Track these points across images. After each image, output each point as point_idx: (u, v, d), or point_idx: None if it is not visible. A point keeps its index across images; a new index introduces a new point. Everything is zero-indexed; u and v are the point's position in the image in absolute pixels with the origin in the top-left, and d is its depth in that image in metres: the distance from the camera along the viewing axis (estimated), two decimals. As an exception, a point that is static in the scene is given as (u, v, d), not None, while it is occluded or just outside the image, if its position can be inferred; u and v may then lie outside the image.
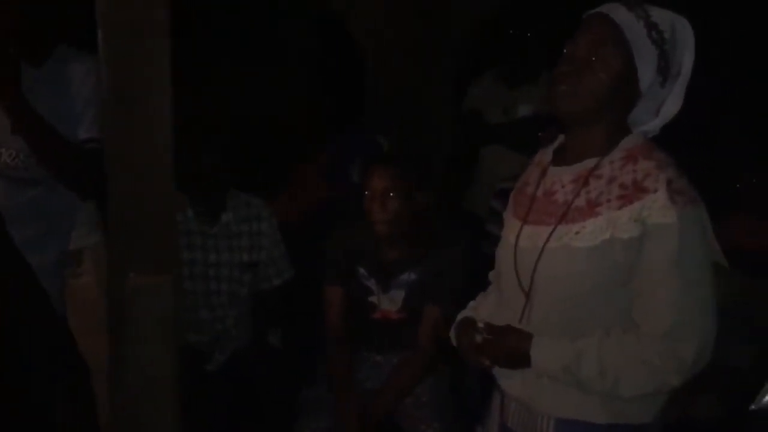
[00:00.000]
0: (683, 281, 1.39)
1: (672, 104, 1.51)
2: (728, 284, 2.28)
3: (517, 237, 1.56)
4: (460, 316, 1.71)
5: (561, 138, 1.62)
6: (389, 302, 2.52)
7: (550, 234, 1.49)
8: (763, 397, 2.30)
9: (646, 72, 1.45)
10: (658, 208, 1.39)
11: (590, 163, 1.50)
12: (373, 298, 2.53)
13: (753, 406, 2.28)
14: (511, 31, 3.38)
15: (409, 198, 2.39)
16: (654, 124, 1.53)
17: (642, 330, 1.42)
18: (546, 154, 1.64)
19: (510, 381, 1.57)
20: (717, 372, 2.23)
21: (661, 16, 1.46)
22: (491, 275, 1.78)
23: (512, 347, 1.50)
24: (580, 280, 1.45)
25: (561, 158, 1.58)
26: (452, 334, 1.68)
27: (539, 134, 2.76)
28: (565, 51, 1.50)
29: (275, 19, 4.15)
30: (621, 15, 1.45)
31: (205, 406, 2.46)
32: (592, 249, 1.44)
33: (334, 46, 4.12)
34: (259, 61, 4.01)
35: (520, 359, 1.49)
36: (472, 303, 1.75)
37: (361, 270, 2.52)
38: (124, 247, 1.85)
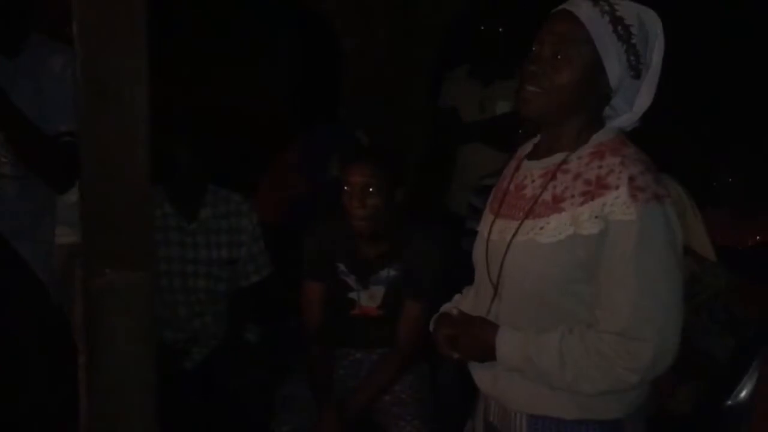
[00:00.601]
0: (642, 279, 1.39)
1: (644, 98, 1.50)
2: (715, 278, 2.31)
3: (489, 230, 1.57)
4: (442, 309, 1.71)
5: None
6: (369, 299, 2.51)
7: (517, 228, 1.49)
8: (740, 392, 2.32)
9: (614, 68, 1.44)
10: (619, 204, 1.39)
11: (559, 157, 1.50)
12: (352, 295, 2.52)
13: (729, 402, 2.30)
14: (482, 27, 3.38)
15: (387, 194, 2.38)
16: (627, 118, 1.52)
17: (600, 326, 1.42)
18: (525, 149, 1.64)
19: (482, 378, 1.57)
20: (695, 366, 2.26)
21: (627, 10, 1.45)
22: None
23: (478, 336, 1.51)
24: (544, 275, 1.45)
25: (534, 152, 1.59)
26: (431, 326, 1.67)
27: (519, 134, 2.76)
28: (532, 50, 1.49)
29: (252, 13, 4.12)
30: (585, 11, 1.44)
31: (182, 404, 2.43)
32: (555, 245, 1.44)
33: (311, 40, 4.10)
34: (235, 54, 3.99)
35: (486, 350, 1.50)
36: (457, 296, 1.75)
37: (341, 266, 2.51)
38: (98, 243, 1.82)
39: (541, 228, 1.46)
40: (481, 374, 1.57)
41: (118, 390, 1.79)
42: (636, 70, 1.46)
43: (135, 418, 1.81)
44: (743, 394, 2.33)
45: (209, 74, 3.82)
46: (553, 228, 1.44)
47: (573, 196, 1.44)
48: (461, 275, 1.84)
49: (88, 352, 1.80)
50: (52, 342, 2.26)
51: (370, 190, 2.36)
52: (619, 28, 1.43)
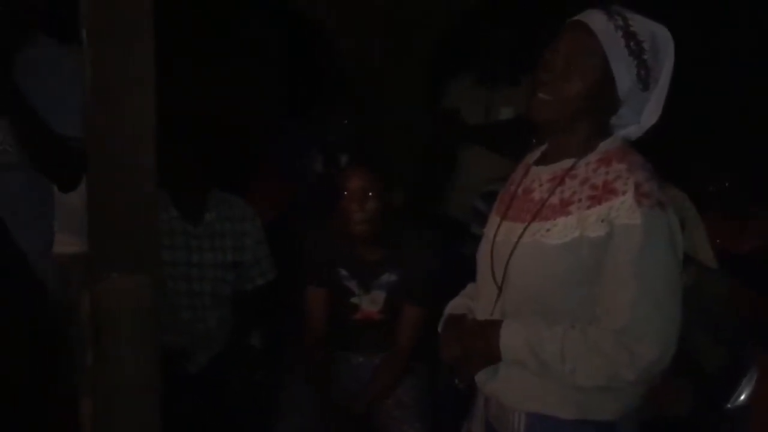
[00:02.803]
0: (643, 281, 1.42)
1: (652, 112, 1.54)
2: (714, 285, 2.33)
3: (495, 232, 1.61)
4: (449, 310, 1.73)
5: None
6: (370, 303, 2.53)
7: (524, 230, 1.53)
8: (739, 396, 2.34)
9: (624, 80, 1.48)
10: (625, 209, 1.43)
11: (567, 163, 1.55)
12: (354, 299, 2.54)
13: (729, 405, 2.32)
14: (490, 33, 3.40)
15: (385, 198, 2.41)
16: (634, 129, 1.56)
17: (601, 325, 1.46)
18: (533, 155, 1.68)
19: (481, 375, 1.59)
20: (688, 370, 2.27)
21: (641, 26, 1.49)
22: None
23: (483, 337, 1.53)
24: (549, 276, 1.49)
25: (542, 158, 1.63)
26: (440, 329, 1.70)
27: (532, 142, 2.78)
28: (543, 57, 1.53)
29: (247, 13, 4.14)
30: (598, 24, 1.48)
31: (186, 406, 2.45)
32: (561, 246, 1.47)
33: (305, 41, 4.12)
34: (227, 55, 4.01)
35: (491, 348, 1.52)
36: (469, 286, 1.77)
37: (342, 271, 2.53)
38: (104, 246, 1.84)
39: (548, 230, 1.49)
40: (481, 372, 1.59)
41: (122, 391, 1.81)
42: (645, 84, 1.50)
43: (139, 419, 1.84)
44: (742, 398, 2.36)
45: (203, 76, 3.82)
46: (560, 230, 1.48)
47: (580, 200, 1.48)
48: (462, 280, 1.87)
49: (93, 354, 1.83)
50: (47, 339, 2.27)
51: (369, 194, 2.38)
52: (632, 43, 1.47)
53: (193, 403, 2.53)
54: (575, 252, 1.46)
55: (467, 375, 1.60)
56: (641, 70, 1.48)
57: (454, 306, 1.73)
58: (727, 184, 2.95)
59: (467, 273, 1.84)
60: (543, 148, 1.66)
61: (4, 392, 2.15)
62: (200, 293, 2.70)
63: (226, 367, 2.69)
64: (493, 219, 1.66)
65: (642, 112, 1.54)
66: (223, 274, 2.72)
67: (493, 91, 3.43)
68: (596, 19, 1.48)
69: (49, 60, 2.14)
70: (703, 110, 3.50)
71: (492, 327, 1.53)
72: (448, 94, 3.55)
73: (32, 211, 2.19)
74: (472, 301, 1.70)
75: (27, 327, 2.19)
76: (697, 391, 2.33)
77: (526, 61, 3.34)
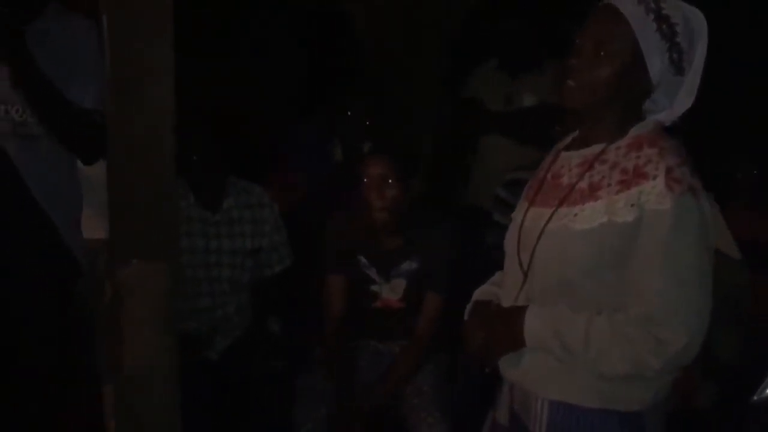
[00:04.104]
0: (671, 268, 1.40)
1: (685, 96, 1.51)
2: (734, 275, 2.30)
3: (523, 218, 1.59)
4: (476, 297, 1.72)
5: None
6: (390, 291, 2.53)
7: (551, 215, 1.51)
8: (765, 388, 2.31)
9: (656, 64, 1.46)
10: (655, 194, 1.41)
11: (597, 148, 1.53)
12: (374, 287, 2.53)
13: (755, 398, 2.29)
14: (512, 20, 3.37)
15: (405, 185, 2.40)
16: (667, 114, 1.53)
17: (628, 312, 1.43)
18: (564, 141, 1.67)
19: (506, 361, 1.58)
20: (716, 362, 2.25)
21: (673, 8, 1.46)
22: None
23: (508, 322, 1.52)
24: (575, 261, 1.47)
25: (573, 144, 1.62)
26: (466, 315, 1.69)
27: (556, 129, 2.76)
28: (574, 43, 1.51)
29: (266, 2, 4.14)
30: (629, 7, 1.45)
31: (205, 392, 2.47)
32: (588, 231, 1.45)
33: (325, 30, 4.11)
34: (250, 44, 4.00)
35: (515, 333, 1.50)
36: (496, 275, 1.76)
37: (362, 259, 2.53)
38: (125, 232, 1.85)
39: (575, 215, 1.48)
40: (505, 358, 1.58)
41: (141, 376, 1.83)
42: (678, 68, 1.47)
43: (158, 403, 1.85)
44: (768, 391, 2.32)
45: (222, 65, 3.83)
46: (588, 215, 1.46)
47: (609, 185, 1.46)
48: (482, 268, 1.86)
49: (113, 338, 1.85)
50: (76, 317, 2.29)
51: (389, 181, 2.38)
52: (664, 26, 1.45)
53: (213, 389, 2.54)
54: (603, 237, 1.44)
55: (491, 361, 1.59)
56: (674, 54, 1.46)
57: (481, 292, 1.72)
58: (755, 172, 2.90)
59: (488, 261, 1.83)
60: (574, 134, 1.64)
61: (31, 376, 2.18)
62: (219, 280, 2.70)
63: (244, 353, 2.70)
64: (522, 205, 1.65)
65: (675, 97, 1.51)
66: (241, 260, 2.73)
67: (516, 78, 3.40)
68: (627, 2, 1.46)
69: (63, 31, 2.13)
70: (734, 96, 3.44)
71: (516, 312, 1.52)
72: (470, 82, 3.53)
73: (59, 183, 2.20)
74: (500, 289, 1.69)
75: (59, 298, 2.21)
76: (720, 383, 2.31)
77: (549, 48, 3.31)
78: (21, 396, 2.18)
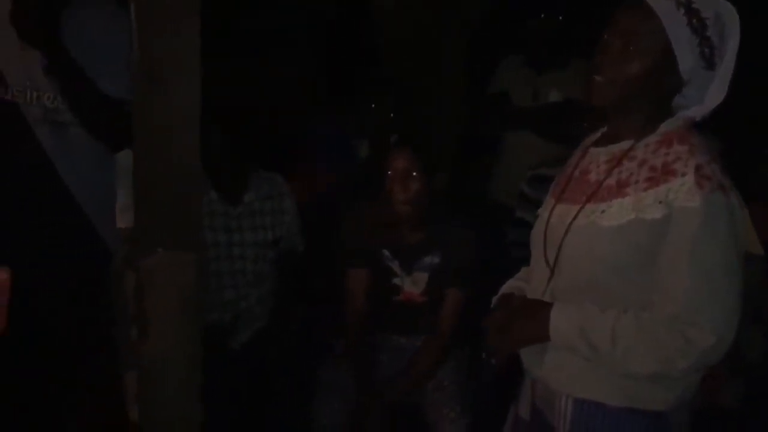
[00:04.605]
0: (700, 267, 1.38)
1: (716, 92, 1.49)
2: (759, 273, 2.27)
3: (550, 214, 1.59)
4: (504, 290, 1.71)
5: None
6: (412, 284, 2.53)
7: (578, 212, 1.50)
8: None
9: (686, 59, 1.44)
10: (684, 191, 1.39)
11: (626, 144, 1.52)
12: (396, 280, 2.54)
13: None
14: (542, 16, 3.35)
15: (429, 179, 2.40)
16: (697, 110, 1.51)
17: (655, 310, 1.42)
18: (592, 138, 1.66)
19: (530, 358, 1.58)
20: (743, 360, 2.22)
21: (703, 2, 1.44)
22: None
23: (533, 315, 1.51)
24: (601, 259, 1.46)
25: (601, 140, 1.60)
26: (493, 304, 1.68)
27: (582, 126, 2.74)
28: (603, 38, 1.50)
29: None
30: (660, 2, 1.44)
31: (228, 381, 2.49)
32: (616, 228, 1.44)
33: (348, 23, 4.10)
34: (272, 36, 4.00)
35: (539, 328, 1.49)
36: (518, 274, 1.75)
37: (385, 252, 2.53)
38: (150, 223, 1.87)
39: (603, 212, 1.47)
40: (529, 354, 1.58)
41: (165, 364, 1.84)
42: (709, 63, 1.45)
43: (181, 392, 1.87)
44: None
45: (243, 58, 3.83)
46: (615, 212, 1.45)
47: (637, 182, 1.45)
48: (505, 264, 1.85)
49: (138, 327, 1.87)
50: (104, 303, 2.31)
51: (413, 174, 2.38)
52: (694, 20, 1.43)
53: (234, 379, 2.56)
54: (630, 235, 1.43)
55: (511, 352, 1.58)
56: (705, 49, 1.44)
57: (508, 286, 1.72)
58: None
59: (510, 258, 1.83)
60: (603, 130, 1.63)
61: (59, 364, 2.21)
62: (242, 272, 2.72)
63: (266, 345, 2.72)
64: (548, 201, 1.64)
65: (706, 92, 1.49)
66: (264, 252, 2.74)
67: (542, 74, 3.38)
68: None
69: (94, 19, 2.14)
70: (757, 93, 3.39)
71: (543, 307, 1.51)
72: (496, 77, 3.51)
73: (89, 170, 2.20)
74: (526, 284, 1.68)
75: (89, 286, 2.23)
76: (747, 382, 2.28)
77: (576, 44, 3.29)
78: (50, 382, 2.21)
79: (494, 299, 1.70)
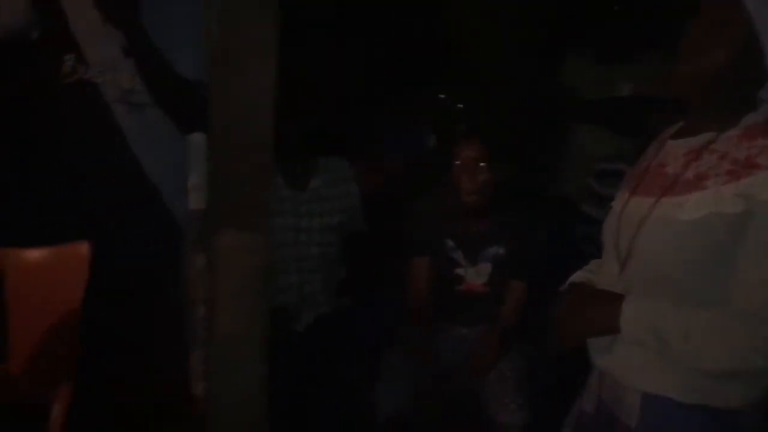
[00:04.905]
0: None
1: None
2: None
3: (623, 207, 1.56)
4: (572, 279, 1.70)
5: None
6: (476, 275, 2.53)
7: (654, 204, 1.47)
8: None
9: None
10: None
11: (706, 137, 1.48)
12: (459, 270, 2.54)
13: None
14: (615, 7, 3.30)
15: (496, 170, 2.40)
16: None
17: (732, 305, 1.38)
18: (670, 130, 1.62)
19: (599, 351, 1.56)
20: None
21: None
22: None
23: (603, 306, 1.48)
24: (676, 253, 1.42)
25: (680, 132, 1.57)
26: (560, 294, 1.67)
27: (653, 117, 2.69)
28: (686, 29, 1.46)
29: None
30: None
31: (292, 363, 2.53)
32: (693, 222, 1.41)
33: (417, 13, 4.09)
34: (344, 26, 4.02)
35: (609, 319, 1.46)
36: (593, 264, 1.73)
37: (449, 242, 2.54)
38: (222, 204, 1.91)
39: (680, 205, 1.43)
40: (597, 347, 1.56)
41: (234, 343, 1.89)
42: None
43: (248, 371, 1.91)
44: None
45: (312, 47, 3.85)
46: (693, 205, 1.41)
47: (717, 175, 1.41)
48: (569, 258, 1.83)
49: (208, 305, 1.91)
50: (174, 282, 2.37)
51: (481, 164, 2.38)
52: None
53: (298, 361, 2.61)
54: (707, 229, 1.39)
55: (576, 342, 1.56)
56: None
57: (577, 276, 1.70)
58: None
59: (575, 251, 1.81)
60: (681, 123, 1.59)
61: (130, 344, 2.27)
62: (308, 257, 2.76)
63: (330, 328, 2.75)
64: (622, 194, 1.60)
65: None
66: (329, 237, 2.77)
67: (612, 67, 3.33)
68: None
69: (174, 2, 2.18)
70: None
71: (615, 298, 1.47)
72: (566, 69, 3.47)
73: (163, 150, 2.26)
74: (595, 276, 1.66)
75: (160, 261, 2.29)
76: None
77: (648, 36, 3.23)
78: (121, 354, 2.28)
79: (563, 287, 1.68)
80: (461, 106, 3.22)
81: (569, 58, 3.49)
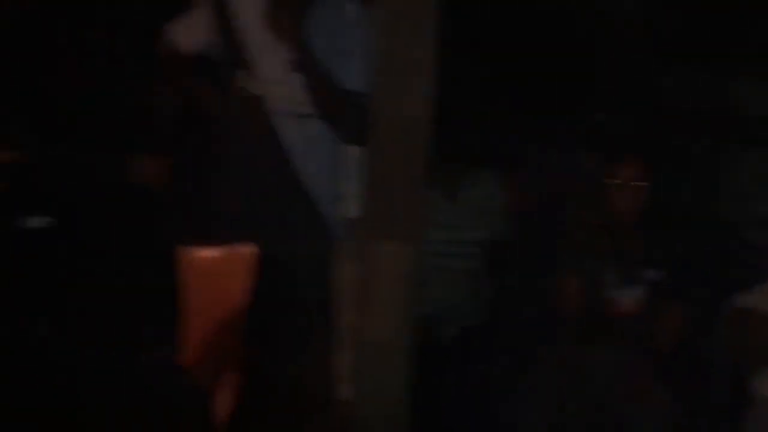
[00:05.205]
0: None
1: None
2: None
3: None
4: (739, 305, 1.62)
5: None
6: (627, 297, 2.46)
7: None
8: None
9: None
10: None
11: None
12: (611, 293, 2.48)
13: None
14: None
15: (652, 191, 2.33)
16: None
17: None
18: None
19: None
20: None
21: None
22: None
23: None
24: None
25: None
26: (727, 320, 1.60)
27: None
28: None
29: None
30: None
31: (435, 374, 2.55)
32: None
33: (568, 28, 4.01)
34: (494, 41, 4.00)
35: None
36: (761, 287, 1.65)
37: (601, 263, 2.48)
38: (377, 214, 1.96)
39: None
40: None
41: (381, 348, 1.93)
42: None
43: (394, 378, 1.95)
44: None
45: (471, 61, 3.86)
46: None
47: None
48: (726, 283, 1.75)
49: (358, 312, 1.97)
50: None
51: (636, 185, 2.32)
52: None
53: (443, 374, 2.62)
54: None
55: (749, 370, 1.49)
56: None
57: (745, 301, 1.62)
58: None
59: (732, 276, 1.72)
60: None
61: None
62: (455, 269, 2.77)
63: (475, 341, 2.75)
64: None
65: None
66: (477, 250, 2.78)
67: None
68: None
69: (336, 17, 2.24)
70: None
71: None
72: (735, 86, 3.31)
73: (323, 160, 2.31)
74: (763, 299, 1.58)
75: (315, 268, 2.35)
76: None
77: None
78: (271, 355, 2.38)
79: (726, 310, 1.60)
80: (620, 123, 3.14)
81: (737, 75, 3.32)
